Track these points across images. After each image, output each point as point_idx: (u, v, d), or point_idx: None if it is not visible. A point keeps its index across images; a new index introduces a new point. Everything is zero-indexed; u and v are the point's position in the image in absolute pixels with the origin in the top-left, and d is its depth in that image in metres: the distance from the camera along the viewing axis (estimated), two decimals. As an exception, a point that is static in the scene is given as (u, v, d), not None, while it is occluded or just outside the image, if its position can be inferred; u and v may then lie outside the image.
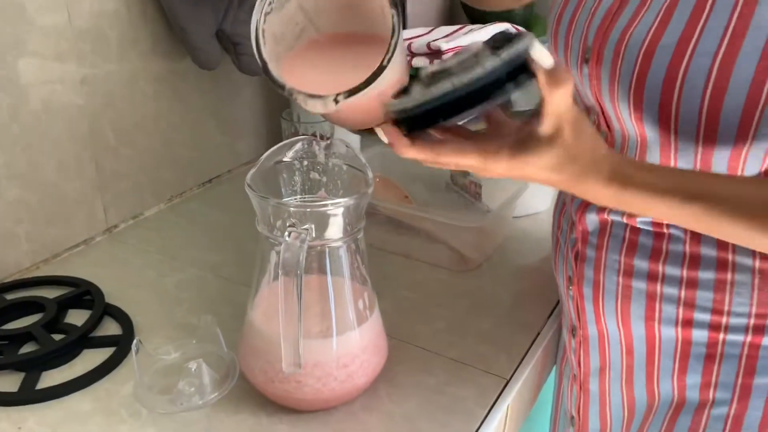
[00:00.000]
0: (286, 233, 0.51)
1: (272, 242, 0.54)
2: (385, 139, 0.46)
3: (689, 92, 0.47)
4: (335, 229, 0.54)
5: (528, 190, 0.84)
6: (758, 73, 0.45)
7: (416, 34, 1.22)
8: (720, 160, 0.49)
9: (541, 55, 0.41)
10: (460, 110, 0.43)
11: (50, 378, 0.61)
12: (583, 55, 0.54)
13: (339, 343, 0.56)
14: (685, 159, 0.50)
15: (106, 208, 0.85)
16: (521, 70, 0.42)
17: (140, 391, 0.57)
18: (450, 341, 0.67)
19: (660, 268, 0.55)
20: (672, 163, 0.51)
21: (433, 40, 1.14)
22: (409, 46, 1.13)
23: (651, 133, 0.51)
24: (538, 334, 0.69)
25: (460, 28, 1.25)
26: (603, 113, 0.56)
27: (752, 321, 0.52)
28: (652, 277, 0.55)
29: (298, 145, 0.59)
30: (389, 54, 0.47)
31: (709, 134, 0.47)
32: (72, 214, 0.81)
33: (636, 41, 0.49)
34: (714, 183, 0.47)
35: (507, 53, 0.41)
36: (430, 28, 1.27)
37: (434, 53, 1.11)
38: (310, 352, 0.54)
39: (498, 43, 0.45)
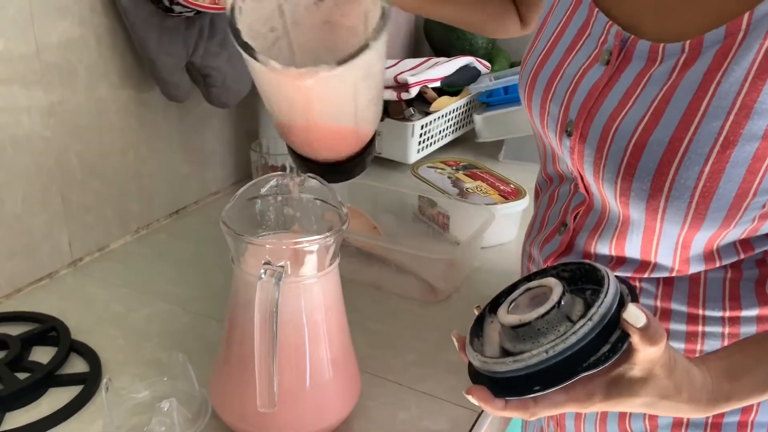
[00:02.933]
0: (261, 270, 0.51)
1: (246, 278, 0.54)
2: (474, 401, 0.44)
3: (679, 189, 0.47)
4: (310, 266, 0.54)
5: (495, 221, 0.86)
6: (745, 180, 0.46)
7: (383, 67, 1.24)
8: (700, 241, 0.51)
9: (634, 316, 0.40)
10: (551, 381, 0.41)
11: (14, 419, 0.59)
12: (564, 127, 0.54)
13: (313, 380, 0.56)
14: (666, 241, 0.52)
15: (71, 240, 0.83)
16: (612, 328, 0.41)
17: (109, 431, 0.56)
18: (422, 374, 0.67)
19: None
20: (654, 243, 0.52)
21: (400, 73, 1.16)
22: (377, 78, 1.15)
23: (636, 215, 0.51)
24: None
25: (426, 61, 1.28)
26: (582, 180, 0.56)
27: None
28: None
29: (273, 181, 0.60)
30: (376, 33, 0.46)
31: (696, 224, 0.49)
32: (36, 248, 0.79)
33: (626, 130, 0.49)
34: None
35: (597, 314, 0.41)
36: (396, 60, 1.30)
37: (401, 86, 1.13)
38: (284, 389, 0.54)
39: (569, 274, 0.46)
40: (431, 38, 1.47)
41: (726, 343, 0.55)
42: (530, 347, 0.42)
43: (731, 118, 0.45)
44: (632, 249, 0.55)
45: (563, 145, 0.55)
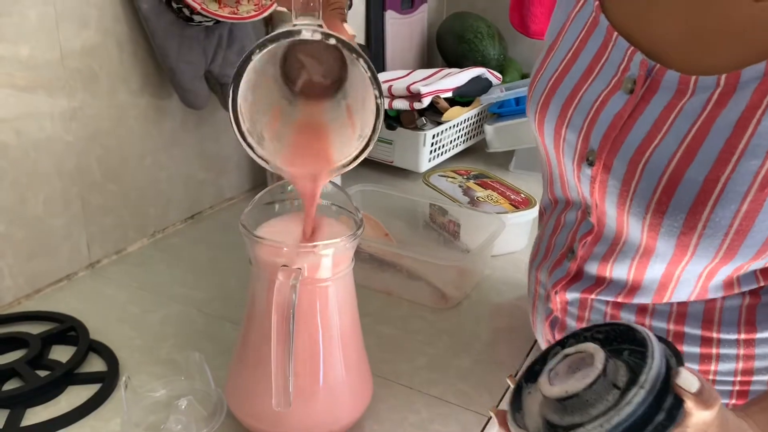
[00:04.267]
0: (279, 273, 0.52)
1: (263, 280, 0.56)
2: None
3: (714, 228, 0.46)
4: (326, 269, 0.55)
5: (505, 230, 0.87)
6: None
7: (396, 77, 1.27)
8: (725, 272, 0.50)
9: (688, 381, 0.39)
10: None
11: (35, 415, 0.61)
12: (585, 155, 0.52)
13: (326, 381, 0.57)
14: (691, 270, 0.51)
15: (89, 243, 0.85)
16: (664, 394, 0.39)
17: (127, 429, 0.57)
18: (432, 378, 0.68)
19: None
20: (678, 272, 0.51)
21: (412, 83, 1.18)
22: (389, 88, 1.17)
23: (664, 248, 0.50)
24: (517, 372, 0.71)
25: (438, 71, 1.29)
26: (596, 208, 0.54)
27: (737, 388, 0.55)
28: None
29: (290, 186, 0.61)
30: (365, 151, 0.50)
31: (727, 258, 0.48)
32: (55, 249, 0.81)
33: (657, 165, 0.47)
34: None
35: (648, 381, 0.38)
36: (409, 71, 1.31)
37: (414, 96, 1.15)
38: (299, 390, 0.55)
39: (603, 335, 0.43)
40: (443, 49, 1.49)
41: (740, 364, 0.54)
42: (580, 419, 0.39)
43: None
44: (653, 275, 0.53)
45: (582, 174, 0.53)
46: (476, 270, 0.87)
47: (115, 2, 0.81)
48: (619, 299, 0.56)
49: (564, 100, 0.55)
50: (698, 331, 0.54)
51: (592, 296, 0.58)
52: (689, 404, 0.38)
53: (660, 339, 0.42)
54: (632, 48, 0.51)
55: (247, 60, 0.48)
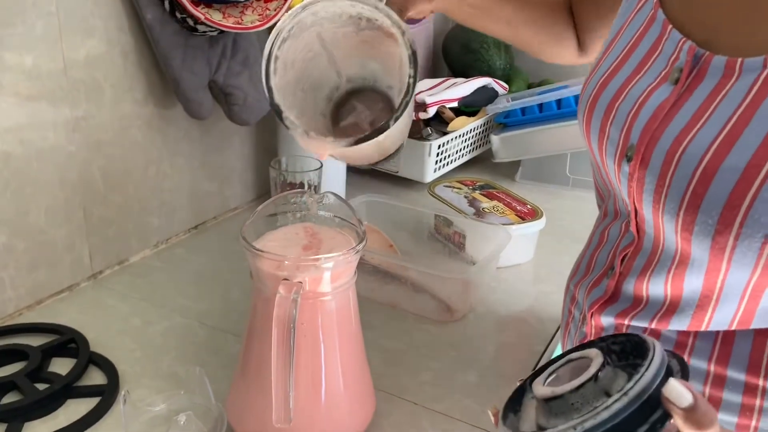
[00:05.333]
0: (280, 286, 0.51)
1: (264, 294, 0.55)
2: None
3: (752, 226, 0.41)
4: (328, 283, 0.55)
5: (511, 241, 0.86)
6: None
7: (402, 87, 1.26)
8: None
9: (677, 393, 0.35)
10: None
11: (33, 429, 0.60)
12: (625, 151, 0.49)
13: (328, 396, 0.56)
14: (732, 287, 0.46)
15: (91, 253, 0.84)
16: (653, 407, 0.36)
17: (126, 444, 0.56)
18: (436, 394, 0.67)
19: None
20: (717, 288, 0.46)
21: (418, 93, 1.17)
22: (395, 98, 1.16)
23: (699, 253, 0.46)
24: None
25: (444, 81, 1.29)
26: (636, 216, 0.51)
27: None
28: None
29: (293, 198, 0.60)
30: (398, 112, 0.48)
31: None
32: (58, 260, 0.80)
33: (693, 155, 0.44)
34: None
35: (635, 389, 0.36)
36: (415, 81, 1.31)
37: (419, 106, 1.14)
38: (300, 405, 0.54)
39: (619, 347, 0.41)
40: (449, 59, 1.48)
41: None
42: (561, 423, 0.37)
43: None
44: (690, 289, 0.49)
45: (621, 172, 0.50)
46: (482, 282, 0.86)
47: (119, 13, 0.81)
48: (654, 324, 0.52)
49: (611, 97, 0.51)
50: (742, 376, 0.48)
51: (626, 321, 0.54)
52: (678, 421, 0.35)
53: (673, 355, 0.40)
54: (684, 38, 0.48)
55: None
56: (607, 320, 0.56)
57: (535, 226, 0.93)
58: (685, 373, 0.38)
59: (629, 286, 0.54)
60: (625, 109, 0.50)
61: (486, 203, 0.98)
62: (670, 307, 0.51)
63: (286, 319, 0.50)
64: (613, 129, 0.51)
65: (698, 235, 0.44)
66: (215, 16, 0.82)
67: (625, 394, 0.36)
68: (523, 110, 1.22)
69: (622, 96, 0.50)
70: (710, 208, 0.43)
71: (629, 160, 0.49)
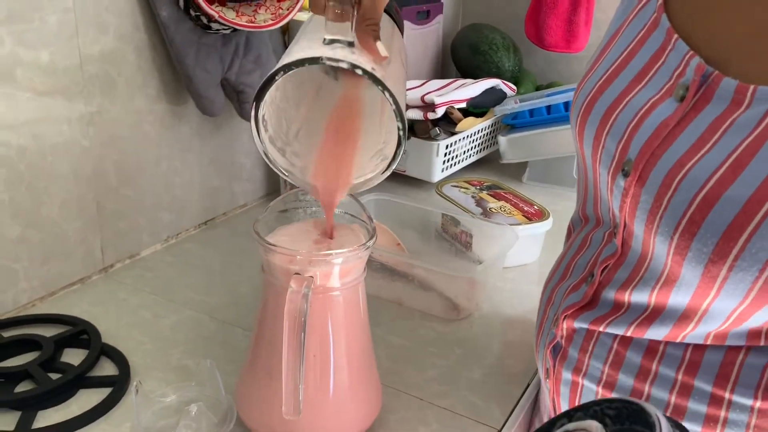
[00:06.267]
0: (291, 281, 0.52)
1: (275, 288, 0.56)
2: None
3: (748, 260, 0.40)
4: (338, 278, 0.55)
5: (518, 241, 0.87)
6: None
7: (410, 87, 1.27)
8: (757, 319, 0.44)
9: None
10: None
11: (46, 418, 0.61)
12: (621, 165, 0.48)
13: (336, 389, 0.57)
14: (718, 311, 0.45)
15: (103, 247, 0.86)
16: None
17: (138, 433, 0.58)
18: (442, 390, 0.68)
19: (646, 389, 0.50)
20: (703, 308, 0.45)
21: (426, 93, 1.18)
22: (404, 98, 1.17)
23: (689, 276, 0.44)
24: (528, 385, 0.70)
25: (452, 82, 1.29)
26: (624, 230, 0.50)
27: None
28: (635, 394, 0.50)
29: (302, 195, 0.61)
30: (389, 168, 0.50)
31: (759, 302, 0.42)
32: (70, 253, 0.82)
33: (695, 180, 0.42)
34: None
35: None
36: (423, 81, 1.32)
37: (428, 106, 1.15)
38: (308, 398, 0.55)
39: (614, 411, 0.39)
40: (458, 60, 1.49)
41: None
42: None
43: None
44: (675, 304, 0.48)
45: (615, 185, 0.48)
46: (488, 281, 0.86)
47: (134, 10, 0.82)
48: (630, 332, 0.51)
49: (609, 104, 0.49)
50: (709, 387, 0.48)
51: (601, 328, 0.53)
52: None
53: (675, 424, 0.38)
54: (691, 52, 0.45)
55: (270, 81, 0.47)
56: (580, 325, 0.55)
57: (542, 227, 0.94)
58: None
59: (609, 295, 0.53)
60: (624, 120, 0.48)
61: (493, 203, 0.99)
62: (651, 315, 0.50)
63: (297, 313, 0.51)
64: (610, 139, 0.49)
65: (691, 261, 0.43)
66: (229, 15, 0.83)
67: None
68: (531, 112, 1.23)
69: (621, 105, 0.49)
70: (707, 236, 0.42)
71: (626, 175, 0.47)
